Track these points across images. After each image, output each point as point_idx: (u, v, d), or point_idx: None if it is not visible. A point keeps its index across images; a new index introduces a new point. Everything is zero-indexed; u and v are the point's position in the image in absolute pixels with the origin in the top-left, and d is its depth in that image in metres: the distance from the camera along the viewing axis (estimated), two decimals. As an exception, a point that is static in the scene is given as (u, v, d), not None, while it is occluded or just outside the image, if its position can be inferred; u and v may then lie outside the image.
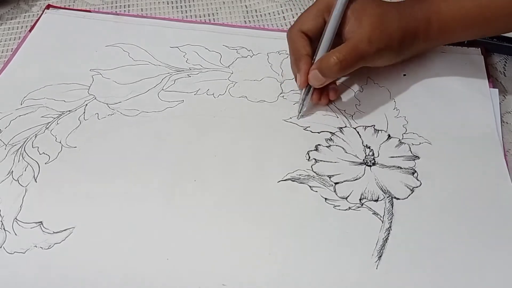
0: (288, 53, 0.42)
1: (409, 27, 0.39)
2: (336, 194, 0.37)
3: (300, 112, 0.41)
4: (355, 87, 0.44)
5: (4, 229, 0.35)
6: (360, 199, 0.36)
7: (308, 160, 0.39)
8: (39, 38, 0.49)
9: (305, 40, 0.40)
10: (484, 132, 0.40)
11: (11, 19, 0.52)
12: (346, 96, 0.43)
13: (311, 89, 0.41)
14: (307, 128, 0.41)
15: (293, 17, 0.52)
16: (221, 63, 0.47)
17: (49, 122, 0.42)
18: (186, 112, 0.42)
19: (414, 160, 0.39)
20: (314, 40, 0.41)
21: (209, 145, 0.40)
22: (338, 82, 0.44)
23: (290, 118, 0.42)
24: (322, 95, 0.42)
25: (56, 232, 0.35)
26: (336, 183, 0.37)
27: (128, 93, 0.44)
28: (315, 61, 0.40)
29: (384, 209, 0.36)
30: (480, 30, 0.41)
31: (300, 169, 0.38)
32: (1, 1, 0.53)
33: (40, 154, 0.39)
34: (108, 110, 0.42)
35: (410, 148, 0.39)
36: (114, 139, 0.40)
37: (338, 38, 0.40)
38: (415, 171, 0.38)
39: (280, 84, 0.45)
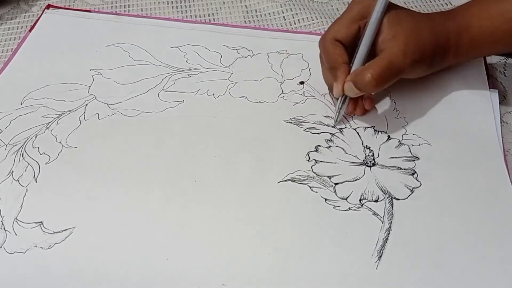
0: (320, 60, 0.42)
1: (440, 41, 0.39)
2: (336, 195, 0.37)
3: (336, 121, 0.41)
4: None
5: (4, 229, 0.35)
6: (360, 200, 0.36)
7: (308, 160, 0.39)
8: (39, 38, 0.49)
9: (341, 48, 0.39)
10: (484, 132, 0.40)
11: (11, 19, 0.52)
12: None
13: (347, 98, 0.40)
14: (307, 129, 0.41)
15: (293, 17, 0.52)
16: (221, 63, 0.47)
17: (49, 122, 0.42)
18: (186, 113, 0.42)
19: (414, 160, 0.39)
20: (348, 47, 0.40)
21: (209, 145, 0.40)
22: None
23: (290, 119, 0.42)
24: (358, 104, 0.41)
25: (56, 232, 0.35)
26: (336, 184, 0.37)
27: (128, 93, 0.44)
28: (351, 72, 0.39)
29: (384, 210, 0.36)
30: (509, 45, 0.41)
31: (300, 170, 0.38)
32: (1, 1, 0.53)
33: (40, 154, 0.39)
34: (109, 110, 0.43)
35: (409, 149, 0.39)
36: (115, 139, 0.40)
37: (372, 47, 0.40)
38: (415, 172, 0.38)
39: (280, 85, 0.45)
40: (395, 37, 0.38)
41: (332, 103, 0.43)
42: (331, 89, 0.42)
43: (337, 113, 0.41)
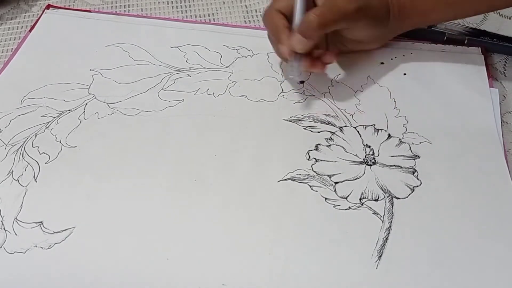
0: (269, 40, 0.42)
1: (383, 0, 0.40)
2: (336, 194, 0.37)
3: (289, 74, 0.41)
4: (355, 87, 0.44)
5: (4, 229, 0.35)
6: (360, 199, 0.36)
7: (308, 159, 0.39)
8: (39, 38, 0.49)
9: (282, 17, 0.40)
10: (484, 132, 0.40)
11: (11, 19, 0.52)
12: (346, 96, 0.43)
13: (301, 57, 0.40)
14: (307, 128, 0.41)
15: (293, 17, 0.52)
16: (221, 63, 0.47)
17: (49, 122, 0.42)
18: (186, 112, 0.42)
19: (414, 159, 0.39)
20: (289, 18, 0.40)
21: (209, 144, 0.40)
22: (337, 81, 0.44)
23: (290, 117, 0.42)
24: (315, 61, 0.41)
25: (56, 232, 0.35)
26: (336, 183, 0.37)
27: (128, 93, 0.44)
28: (293, 29, 0.39)
29: (384, 209, 0.36)
30: (453, 12, 0.42)
31: (300, 169, 0.38)
32: (1, 1, 0.53)
33: (40, 153, 0.39)
34: (108, 109, 0.42)
35: (410, 147, 0.39)
36: (114, 139, 0.40)
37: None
38: (415, 171, 0.38)
39: (280, 84, 0.45)
40: None
41: (333, 102, 0.43)
42: (285, 60, 0.41)
43: (293, 73, 0.41)
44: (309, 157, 0.39)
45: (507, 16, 0.50)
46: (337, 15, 0.38)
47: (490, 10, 0.45)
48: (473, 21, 0.49)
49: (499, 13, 0.50)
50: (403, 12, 0.41)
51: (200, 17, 0.52)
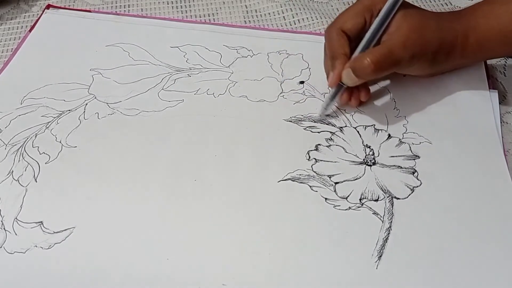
0: (323, 51, 0.42)
1: (446, 39, 0.39)
2: (336, 194, 0.37)
3: (326, 109, 0.41)
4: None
5: (4, 229, 0.35)
6: (360, 199, 0.36)
7: (308, 159, 0.39)
8: (39, 38, 0.49)
9: (344, 40, 0.40)
10: (484, 132, 0.40)
11: (11, 19, 0.52)
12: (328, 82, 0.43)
13: (342, 89, 0.40)
14: (307, 128, 0.41)
15: (293, 17, 0.52)
16: (221, 63, 0.47)
17: (49, 122, 0.42)
18: (186, 112, 0.42)
19: (414, 159, 0.39)
20: (353, 40, 0.40)
21: (209, 144, 0.40)
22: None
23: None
24: (353, 96, 0.41)
25: (56, 232, 0.35)
26: (336, 183, 0.37)
27: (128, 93, 0.44)
28: (350, 60, 0.39)
29: (384, 209, 0.36)
30: None
31: (300, 169, 0.38)
32: (1, 1, 0.53)
33: (40, 154, 0.39)
34: (108, 109, 0.42)
35: (410, 147, 0.39)
36: (114, 139, 0.40)
37: (376, 45, 0.40)
38: (415, 171, 0.38)
39: (280, 84, 0.45)
40: (398, 29, 0.39)
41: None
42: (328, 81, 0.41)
43: (328, 103, 0.41)
44: (309, 157, 0.39)
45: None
46: (392, 64, 0.38)
47: None
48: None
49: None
50: (468, 51, 0.40)
51: (200, 17, 0.52)
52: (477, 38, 0.40)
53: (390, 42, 0.38)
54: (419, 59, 0.39)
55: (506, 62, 0.47)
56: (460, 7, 0.53)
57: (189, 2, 0.54)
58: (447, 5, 0.53)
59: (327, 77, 0.41)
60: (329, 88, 0.41)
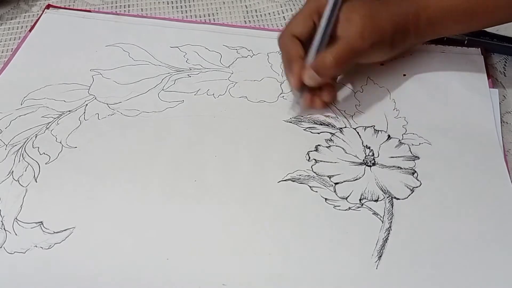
0: (281, 57, 0.42)
1: (399, 22, 0.40)
2: (336, 194, 0.37)
3: (296, 113, 0.42)
4: (355, 88, 0.44)
5: (4, 229, 0.35)
6: (360, 199, 0.36)
7: (308, 160, 0.39)
8: (39, 38, 0.49)
9: (297, 43, 0.40)
10: (484, 132, 0.40)
11: (11, 19, 0.52)
12: (346, 97, 0.43)
13: (305, 90, 0.40)
14: (307, 129, 0.41)
15: (293, 17, 0.52)
16: (221, 63, 0.47)
17: (49, 122, 0.42)
18: (186, 113, 0.42)
19: (414, 160, 0.39)
20: (305, 43, 0.40)
21: (209, 145, 0.40)
22: (337, 82, 0.44)
23: (290, 118, 0.42)
24: (315, 98, 0.41)
25: (56, 232, 0.35)
26: (336, 183, 0.37)
27: (128, 93, 0.44)
28: (308, 62, 0.39)
29: (384, 209, 0.36)
30: (470, 24, 0.41)
31: (300, 170, 0.38)
32: (1, 1, 0.53)
33: (40, 154, 0.39)
34: (109, 110, 0.43)
35: (410, 148, 0.39)
36: (115, 140, 0.40)
37: (331, 41, 0.40)
38: (415, 171, 0.38)
39: (280, 84, 0.45)
40: (349, 21, 0.39)
41: (332, 103, 0.43)
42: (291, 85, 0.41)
43: (296, 107, 0.41)
44: (309, 158, 0.39)
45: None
46: (353, 55, 0.39)
47: (510, 21, 0.43)
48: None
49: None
50: (421, 30, 0.41)
51: (200, 17, 0.52)
52: (428, 17, 0.40)
53: (347, 34, 0.39)
54: (378, 46, 0.39)
55: (506, 62, 0.47)
56: None
57: (189, 2, 0.54)
58: None
59: (289, 82, 0.41)
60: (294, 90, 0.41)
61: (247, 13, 0.53)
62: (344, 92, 0.44)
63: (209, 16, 0.52)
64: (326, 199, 0.36)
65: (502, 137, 0.40)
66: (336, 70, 0.40)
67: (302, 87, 0.40)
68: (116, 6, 0.53)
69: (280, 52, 0.42)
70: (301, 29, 0.40)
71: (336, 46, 0.39)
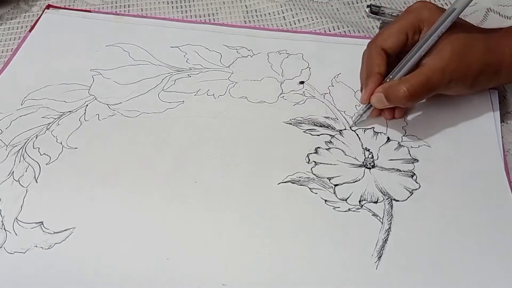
0: (361, 60, 0.41)
1: (491, 62, 0.38)
2: (336, 196, 0.37)
3: (355, 123, 0.41)
4: (355, 87, 0.44)
5: (4, 229, 0.35)
6: (359, 201, 0.36)
7: (308, 162, 0.39)
8: (39, 38, 0.49)
9: (383, 58, 0.39)
10: (483, 133, 0.40)
11: (11, 19, 0.52)
12: (346, 96, 0.43)
13: (372, 107, 0.40)
14: (307, 131, 0.41)
15: (293, 17, 0.52)
16: (221, 63, 0.47)
17: (50, 123, 0.42)
18: (186, 113, 0.42)
19: (413, 163, 0.39)
20: (392, 57, 0.40)
21: (209, 146, 0.40)
22: (337, 79, 0.44)
23: (290, 120, 0.42)
24: (385, 111, 0.41)
25: (56, 232, 0.35)
26: (335, 185, 0.37)
27: (129, 94, 0.44)
28: (385, 81, 0.39)
29: (384, 211, 0.36)
30: None
31: (300, 172, 0.38)
32: (1, 1, 0.53)
33: (41, 154, 0.39)
34: (109, 111, 0.43)
35: (409, 151, 0.39)
36: (115, 140, 0.40)
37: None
38: (414, 174, 0.38)
39: (280, 84, 0.45)
40: (439, 52, 0.37)
41: (333, 103, 0.43)
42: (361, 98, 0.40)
43: (358, 118, 0.41)
44: (309, 160, 0.39)
45: (507, 16, 0.50)
46: (428, 90, 0.37)
47: None
48: (473, 21, 0.49)
49: (499, 13, 0.51)
50: None
51: (200, 17, 0.52)
52: None
53: (429, 68, 0.37)
54: (457, 84, 0.38)
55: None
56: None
57: (189, 2, 0.54)
58: (447, 5, 0.53)
59: (361, 90, 0.41)
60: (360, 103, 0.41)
61: (247, 13, 0.53)
62: (345, 91, 0.44)
63: (209, 16, 0.52)
64: (325, 200, 0.36)
65: (502, 137, 0.40)
66: (407, 103, 0.38)
67: (369, 104, 0.40)
68: (116, 6, 0.53)
69: (361, 61, 0.41)
70: (391, 43, 0.39)
71: (414, 78, 0.37)
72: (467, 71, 0.37)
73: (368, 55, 0.40)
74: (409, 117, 0.42)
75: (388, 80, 0.39)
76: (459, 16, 0.38)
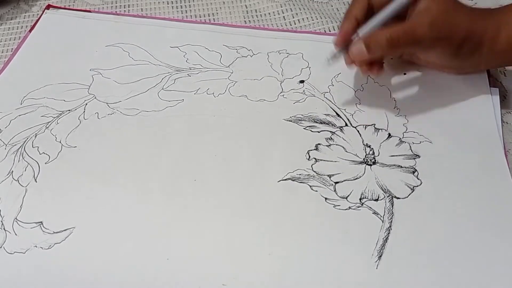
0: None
1: (475, 31, 0.37)
2: (336, 194, 0.37)
3: (329, 61, 0.39)
4: (356, 86, 0.44)
5: (4, 229, 0.35)
6: (360, 199, 0.36)
7: (308, 159, 0.39)
8: (39, 38, 0.49)
9: (364, 6, 0.38)
10: (484, 132, 0.40)
11: (11, 19, 0.52)
12: (346, 95, 0.43)
13: (345, 52, 0.39)
14: (307, 127, 0.41)
15: (293, 17, 0.52)
16: (221, 62, 0.47)
17: (49, 122, 0.42)
18: (186, 112, 0.42)
19: (414, 159, 0.39)
20: (375, 8, 0.39)
21: (209, 144, 0.40)
22: (338, 78, 0.44)
23: (290, 117, 0.42)
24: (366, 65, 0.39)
25: (56, 232, 0.35)
26: (336, 183, 0.37)
27: (128, 93, 0.44)
28: (361, 32, 0.38)
29: (384, 209, 0.36)
30: None
31: (300, 169, 0.38)
32: (1, 1, 0.53)
33: (40, 154, 0.39)
34: (108, 109, 0.42)
35: (410, 147, 0.39)
36: (114, 139, 0.40)
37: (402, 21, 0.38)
38: (416, 170, 0.38)
39: (280, 83, 0.45)
40: (427, 9, 0.37)
41: (333, 102, 0.43)
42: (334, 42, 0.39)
43: (332, 56, 0.39)
44: (309, 157, 0.39)
45: (508, 16, 0.50)
46: (412, 41, 0.36)
47: None
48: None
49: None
50: (497, 48, 0.38)
51: (200, 17, 0.52)
52: (508, 35, 0.38)
53: (416, 21, 0.36)
54: (442, 43, 0.37)
55: (506, 62, 0.47)
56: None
57: (189, 2, 0.54)
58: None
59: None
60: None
61: (247, 13, 0.53)
62: (345, 90, 0.44)
63: (209, 16, 0.52)
64: (326, 198, 0.36)
65: (503, 137, 0.40)
66: (387, 51, 0.36)
67: (342, 49, 0.38)
68: (116, 6, 0.53)
69: None
70: None
71: (399, 26, 0.36)
72: (452, 32, 0.37)
73: (352, 1, 0.40)
74: (410, 114, 0.42)
75: (360, 30, 0.38)
76: None
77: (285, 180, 0.37)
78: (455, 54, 0.39)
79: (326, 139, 0.40)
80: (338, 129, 0.41)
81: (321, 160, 0.39)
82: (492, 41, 0.38)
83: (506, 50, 0.39)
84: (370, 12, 0.39)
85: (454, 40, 0.38)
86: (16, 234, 0.35)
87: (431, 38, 0.37)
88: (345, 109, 0.42)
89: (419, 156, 0.39)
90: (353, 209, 0.36)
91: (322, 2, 0.54)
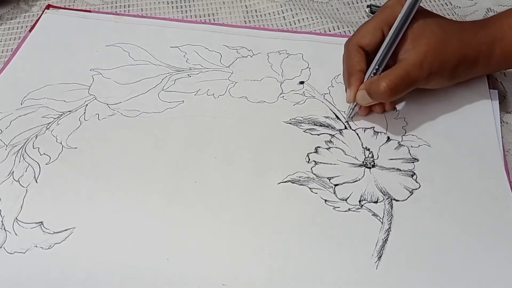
0: (342, 62, 0.42)
1: (468, 53, 0.38)
2: (336, 196, 0.37)
3: (348, 117, 0.41)
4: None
5: (4, 229, 0.35)
6: (359, 201, 0.36)
7: (308, 162, 0.39)
8: (39, 38, 0.49)
9: (361, 55, 0.39)
10: (483, 133, 0.40)
11: (11, 19, 0.52)
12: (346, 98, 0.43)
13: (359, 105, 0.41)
14: (307, 130, 0.41)
15: (293, 17, 0.52)
16: (221, 63, 0.47)
17: (49, 123, 0.42)
18: (186, 113, 0.42)
19: (413, 162, 0.39)
20: (370, 54, 0.40)
21: (209, 146, 0.40)
22: (337, 79, 0.44)
23: (290, 119, 0.42)
24: (374, 106, 0.41)
25: (56, 232, 0.35)
26: (335, 185, 0.37)
27: (128, 93, 0.44)
28: (365, 79, 0.39)
29: (384, 211, 0.36)
30: None
31: (300, 171, 0.38)
32: (1, 1, 0.53)
33: (40, 154, 0.39)
34: (109, 110, 0.43)
35: (409, 150, 0.39)
36: (115, 140, 0.40)
37: (393, 55, 0.39)
38: (414, 173, 0.38)
39: (280, 84, 0.45)
40: (415, 47, 0.38)
41: (333, 103, 0.43)
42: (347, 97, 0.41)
43: (350, 113, 0.41)
44: (309, 159, 0.39)
45: (507, 17, 0.50)
46: (408, 84, 0.38)
47: None
48: (473, 22, 0.49)
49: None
50: (493, 62, 0.40)
51: (200, 17, 0.52)
52: (503, 49, 0.39)
53: (406, 62, 0.37)
54: (436, 76, 0.38)
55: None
56: (460, 7, 0.53)
57: (189, 2, 0.54)
58: (447, 5, 0.53)
59: (346, 91, 0.41)
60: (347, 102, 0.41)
61: (247, 13, 0.53)
62: (344, 94, 0.44)
63: (209, 16, 0.52)
64: (325, 200, 0.36)
65: (502, 137, 0.40)
66: (389, 98, 0.38)
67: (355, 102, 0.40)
68: (116, 6, 0.53)
69: (342, 62, 0.41)
70: (368, 40, 0.39)
71: (393, 73, 0.37)
72: (444, 64, 0.38)
73: (347, 54, 0.40)
74: (409, 117, 0.42)
75: (366, 77, 0.39)
76: (435, 12, 0.39)
77: (285, 182, 0.37)
78: (450, 78, 0.40)
79: (326, 142, 0.40)
80: (338, 132, 0.41)
81: (321, 162, 0.39)
82: (487, 59, 0.39)
83: (501, 63, 0.40)
84: (368, 58, 0.40)
85: (447, 70, 0.39)
86: (16, 234, 0.35)
87: (424, 76, 0.38)
88: (344, 111, 0.42)
89: (417, 160, 0.39)
90: (353, 211, 0.36)
91: (322, 2, 0.54)
